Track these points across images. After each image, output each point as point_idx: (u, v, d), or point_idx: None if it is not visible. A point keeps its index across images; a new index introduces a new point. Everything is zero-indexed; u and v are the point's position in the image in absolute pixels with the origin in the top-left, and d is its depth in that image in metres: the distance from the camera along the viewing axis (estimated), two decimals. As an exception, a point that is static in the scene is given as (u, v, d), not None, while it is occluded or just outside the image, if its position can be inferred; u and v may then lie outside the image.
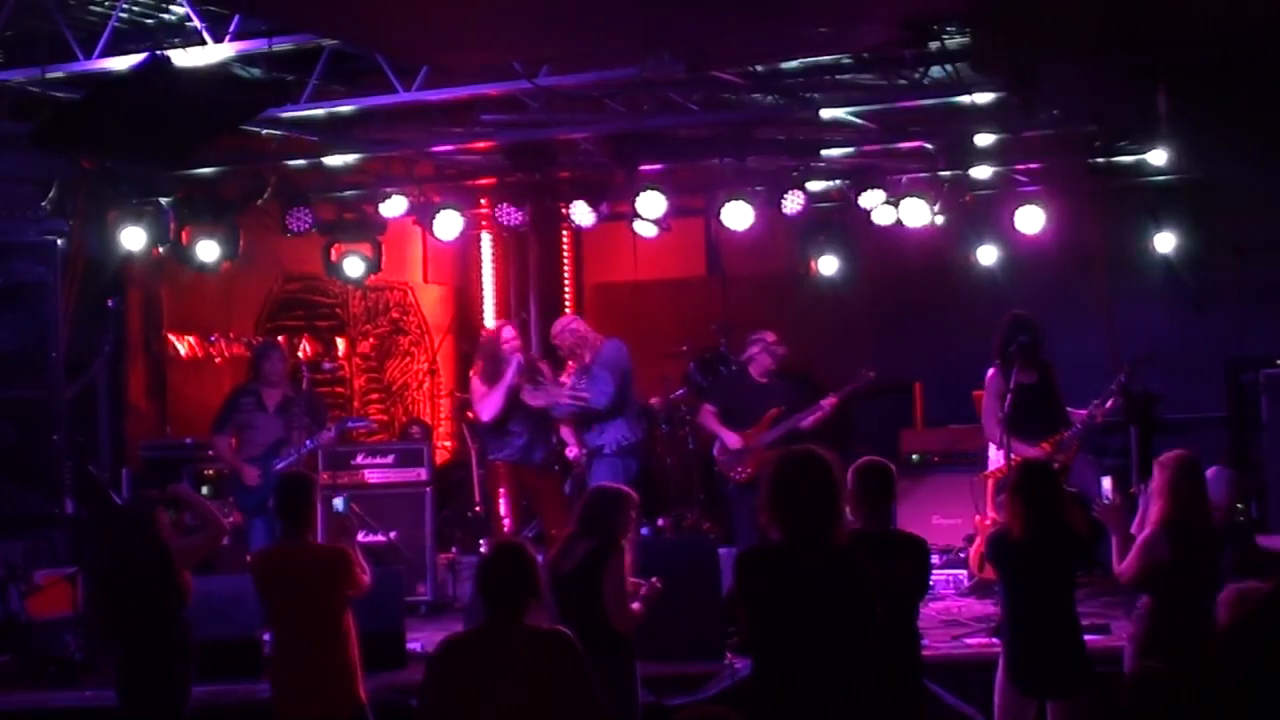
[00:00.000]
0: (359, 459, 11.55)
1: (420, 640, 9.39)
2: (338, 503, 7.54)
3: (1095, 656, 7.21)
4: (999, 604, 9.10)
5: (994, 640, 8.85)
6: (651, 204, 11.74)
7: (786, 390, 10.93)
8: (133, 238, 11.30)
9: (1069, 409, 10.03)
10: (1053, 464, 9.23)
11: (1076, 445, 9.85)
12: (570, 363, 10.80)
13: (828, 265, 12.99)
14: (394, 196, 12.50)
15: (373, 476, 11.49)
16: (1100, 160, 11.79)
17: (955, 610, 10.21)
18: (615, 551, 6.85)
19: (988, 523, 10.25)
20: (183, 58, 8.53)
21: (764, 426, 10.70)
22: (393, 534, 10.97)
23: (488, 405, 10.49)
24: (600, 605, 6.89)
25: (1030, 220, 11.78)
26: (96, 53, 8.79)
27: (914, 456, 12.46)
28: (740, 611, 5.53)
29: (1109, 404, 9.91)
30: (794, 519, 5.38)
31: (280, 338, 12.99)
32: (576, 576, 6.88)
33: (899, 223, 11.96)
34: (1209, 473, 7.79)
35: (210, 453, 11.06)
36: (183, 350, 12.54)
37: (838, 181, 12.52)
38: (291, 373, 10.96)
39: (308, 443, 10.33)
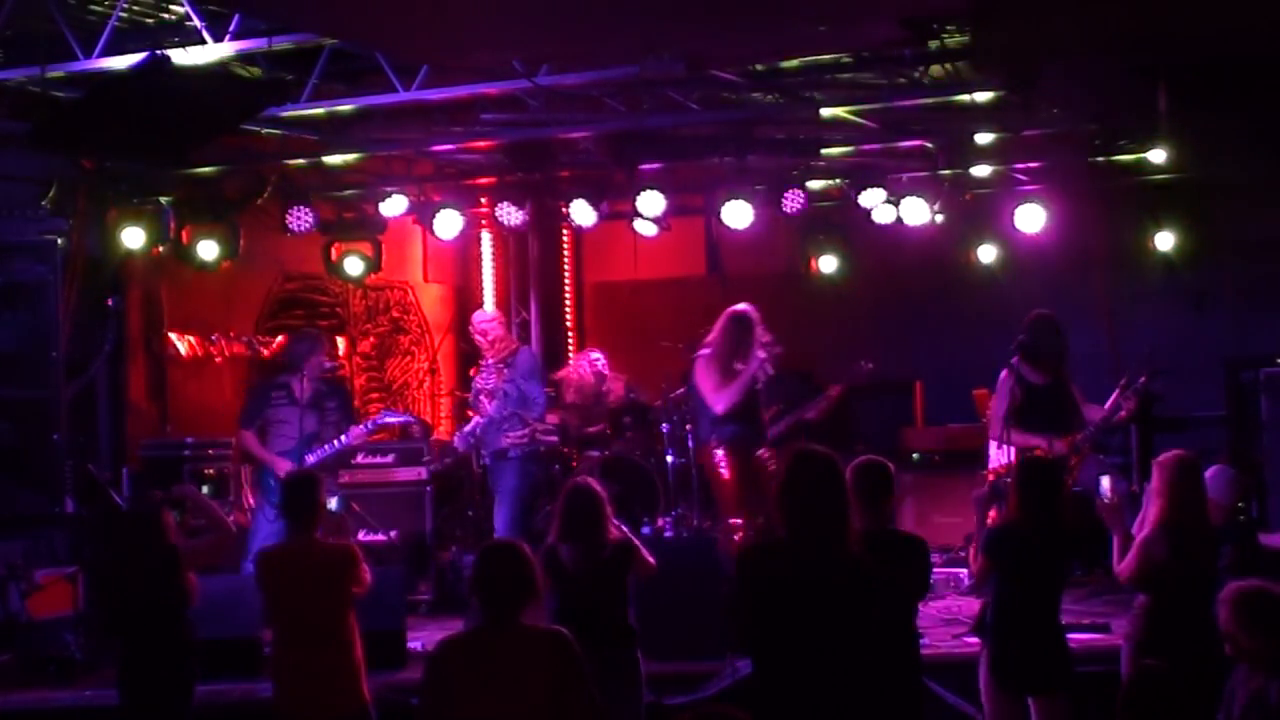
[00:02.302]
0: (359, 458, 11.55)
1: (421, 639, 9.40)
2: (333, 502, 7.52)
3: (1096, 655, 7.20)
4: (985, 600, 9.10)
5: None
6: (651, 203, 11.75)
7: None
8: (133, 237, 11.30)
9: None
10: (1067, 462, 9.24)
11: (1089, 447, 9.82)
12: (488, 356, 10.85)
13: (828, 264, 13.01)
14: (394, 196, 12.50)
15: (373, 475, 11.49)
16: (1100, 160, 11.78)
17: (955, 609, 10.20)
18: (633, 548, 7.20)
19: (988, 521, 10.24)
20: (183, 57, 8.53)
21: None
22: (393, 533, 10.98)
23: (724, 397, 10.00)
24: (615, 602, 7.01)
25: (1030, 219, 11.77)
26: (96, 52, 8.78)
27: (914, 455, 12.46)
28: (741, 607, 5.54)
29: (1127, 407, 9.80)
30: (801, 516, 5.40)
31: (280, 336, 12.98)
32: (599, 576, 7.02)
33: (899, 221, 11.96)
34: (1210, 472, 7.79)
35: (232, 448, 10.88)
36: (183, 349, 12.52)
37: (838, 180, 12.51)
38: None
39: (342, 438, 10.07)
